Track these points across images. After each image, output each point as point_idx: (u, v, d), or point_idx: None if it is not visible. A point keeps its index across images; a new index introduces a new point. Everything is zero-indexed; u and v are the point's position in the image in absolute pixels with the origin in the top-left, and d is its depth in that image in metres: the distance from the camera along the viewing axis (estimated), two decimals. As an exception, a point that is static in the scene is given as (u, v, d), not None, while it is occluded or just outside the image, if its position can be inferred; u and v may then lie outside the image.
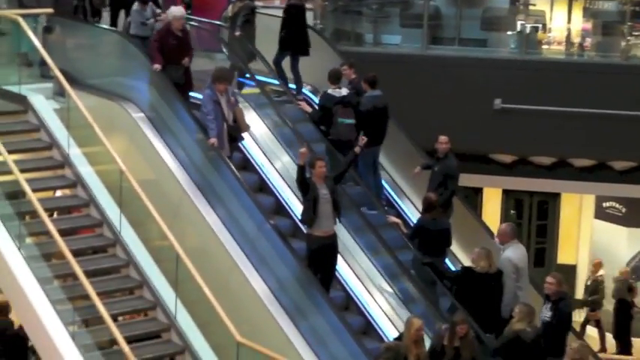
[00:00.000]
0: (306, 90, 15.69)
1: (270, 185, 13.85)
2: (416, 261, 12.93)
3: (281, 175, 13.93)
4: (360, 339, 11.87)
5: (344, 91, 14.35)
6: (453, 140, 14.88)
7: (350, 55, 15.54)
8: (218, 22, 16.34)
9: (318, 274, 12.12)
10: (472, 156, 16.92)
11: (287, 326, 11.82)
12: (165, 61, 13.50)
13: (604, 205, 19.00)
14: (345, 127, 14.07)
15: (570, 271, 18.30)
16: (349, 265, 13.25)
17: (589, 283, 17.89)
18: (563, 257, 18.69)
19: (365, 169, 14.22)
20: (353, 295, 12.95)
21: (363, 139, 12.98)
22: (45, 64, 13.79)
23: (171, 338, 12.10)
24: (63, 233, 12.17)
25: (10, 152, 12.68)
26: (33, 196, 12.27)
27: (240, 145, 13.71)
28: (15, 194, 12.54)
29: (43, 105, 13.90)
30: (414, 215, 14.38)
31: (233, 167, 12.83)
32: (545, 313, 11.91)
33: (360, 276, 13.20)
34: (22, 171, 12.60)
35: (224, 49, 15.68)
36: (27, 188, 12.33)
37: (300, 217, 12.59)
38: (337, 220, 12.29)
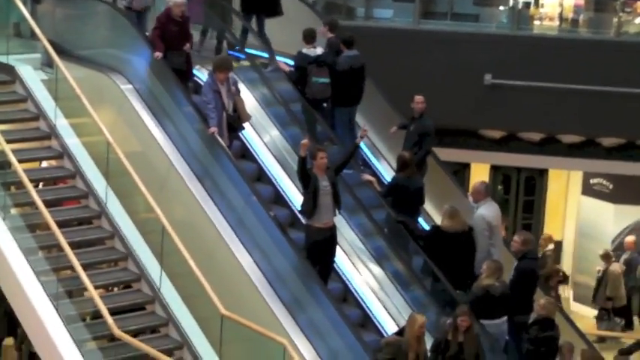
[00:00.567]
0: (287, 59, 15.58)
1: (269, 174, 13.67)
2: (390, 219, 13.02)
3: (279, 163, 13.76)
4: (358, 331, 11.78)
5: (319, 50, 14.39)
6: (443, 115, 14.96)
7: (342, 29, 15.49)
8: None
9: (316, 266, 12.01)
10: (461, 131, 16.96)
11: (284, 318, 11.74)
12: (166, 48, 13.34)
13: (591, 181, 19.02)
14: (319, 86, 14.14)
15: (557, 246, 18.34)
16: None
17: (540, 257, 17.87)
18: (550, 233, 18.74)
19: (341, 128, 14.34)
20: (351, 287, 12.84)
21: (364, 131, 12.94)
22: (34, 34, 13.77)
23: (156, 310, 12.15)
24: (48, 204, 12.20)
25: (-4, 122, 12.72)
26: (19, 167, 12.29)
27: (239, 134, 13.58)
28: (0, 165, 12.55)
29: (31, 75, 13.89)
30: (389, 175, 14.45)
31: (231, 155, 12.75)
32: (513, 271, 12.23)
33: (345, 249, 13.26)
34: (8, 141, 12.63)
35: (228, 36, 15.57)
36: (13, 159, 12.34)
37: (299, 208, 12.41)
38: (337, 211, 12.19)
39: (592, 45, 17.03)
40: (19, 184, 12.40)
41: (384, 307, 12.78)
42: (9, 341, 15.43)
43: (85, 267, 11.73)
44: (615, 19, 17.55)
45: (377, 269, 12.93)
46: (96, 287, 11.54)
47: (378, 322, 12.66)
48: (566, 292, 18.82)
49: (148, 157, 13.18)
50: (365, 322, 12.69)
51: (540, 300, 12.05)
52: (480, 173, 18.47)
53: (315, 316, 11.86)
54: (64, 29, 14.65)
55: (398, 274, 12.78)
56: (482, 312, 11.93)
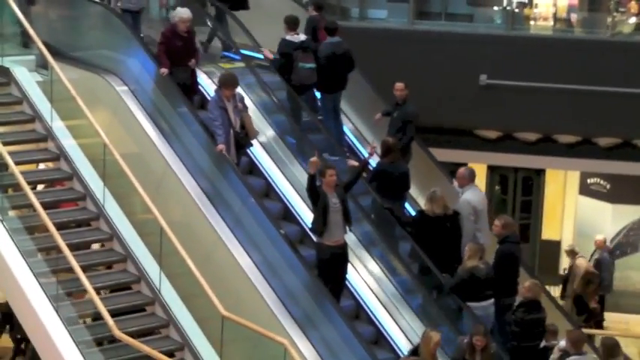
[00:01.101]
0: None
1: (277, 190, 13.55)
2: (375, 205, 13.02)
3: (287, 179, 13.65)
4: (371, 349, 11.67)
5: (302, 37, 14.43)
6: (439, 115, 14.92)
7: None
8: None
9: (328, 285, 11.88)
10: (457, 131, 16.93)
11: (296, 336, 11.63)
12: (171, 64, 13.15)
13: (589, 181, 19.03)
14: (305, 71, 14.22)
15: (554, 246, 18.34)
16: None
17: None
18: (548, 233, 18.75)
19: (326, 115, 14.45)
20: (363, 304, 12.76)
21: (373, 147, 12.91)
22: (27, 35, 13.68)
23: (156, 312, 12.06)
24: (46, 206, 12.10)
25: (-8, 125, 12.63)
26: (16, 169, 12.20)
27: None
28: (-3, 167, 12.46)
29: (26, 77, 13.81)
30: (375, 162, 14.30)
31: (239, 172, 12.65)
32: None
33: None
34: (5, 144, 12.54)
35: (208, 23, 15.57)
36: (9, 161, 12.23)
37: (310, 226, 12.29)
38: (348, 229, 12.12)
39: (587, 45, 17.01)
40: (17, 187, 12.32)
41: (395, 320, 12.73)
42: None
43: (84, 269, 11.63)
44: (609, 19, 17.52)
45: (372, 265, 12.89)
46: (95, 289, 11.44)
47: (391, 339, 12.55)
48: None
49: (144, 157, 13.10)
50: (378, 338, 12.57)
51: (526, 282, 12.21)
52: (477, 173, 18.44)
53: (328, 334, 11.76)
54: (58, 31, 14.58)
55: (384, 259, 12.78)
56: (468, 294, 12.13)
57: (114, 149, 12.33)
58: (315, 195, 11.88)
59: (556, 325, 12.21)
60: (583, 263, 16.98)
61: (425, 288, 12.52)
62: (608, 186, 18.78)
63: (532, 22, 18.31)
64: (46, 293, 11.58)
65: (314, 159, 11.89)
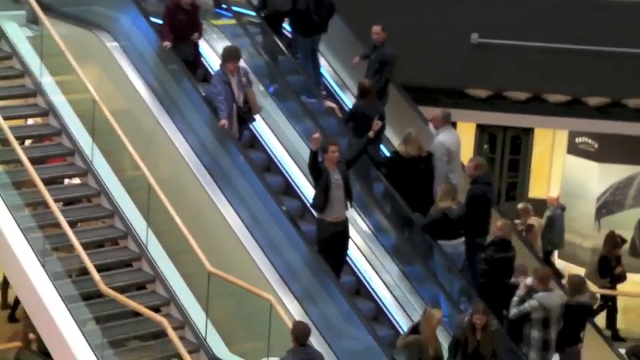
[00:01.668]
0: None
1: (279, 164, 13.58)
2: (350, 146, 13.15)
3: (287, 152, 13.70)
4: (371, 325, 11.77)
5: None
6: (430, 74, 14.93)
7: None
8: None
9: (329, 260, 11.93)
10: (447, 90, 16.95)
11: (282, 292, 11.75)
12: (174, 38, 13.08)
13: (577, 140, 19.04)
14: None
15: (542, 205, 18.41)
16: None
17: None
18: (535, 191, 18.80)
19: (304, 58, 14.59)
20: (363, 280, 12.81)
21: (377, 124, 12.87)
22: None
23: (142, 267, 12.19)
24: (34, 161, 12.18)
25: (-19, 80, 12.67)
26: (4, 124, 12.27)
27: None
28: (-15, 122, 12.51)
29: (16, 32, 13.82)
30: (351, 103, 14.54)
31: (241, 148, 12.68)
32: None
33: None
34: (-6, 99, 12.62)
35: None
36: (-2, 116, 12.31)
37: (311, 202, 12.32)
38: (349, 205, 12.18)
39: (577, 4, 16.98)
40: (5, 142, 12.37)
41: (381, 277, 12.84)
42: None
43: (72, 224, 11.75)
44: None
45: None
46: (82, 244, 11.55)
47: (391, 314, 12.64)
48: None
49: (133, 114, 13.16)
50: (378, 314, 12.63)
51: (497, 222, 12.43)
52: (466, 132, 18.50)
53: (328, 311, 11.85)
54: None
55: (359, 198, 12.84)
56: (439, 233, 12.45)
57: (103, 105, 12.39)
58: (317, 171, 11.89)
59: (526, 265, 12.38)
60: (535, 222, 17.13)
61: (397, 227, 12.71)
62: (596, 145, 18.81)
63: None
64: (33, 248, 11.69)
65: (316, 135, 11.88)
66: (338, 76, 15.37)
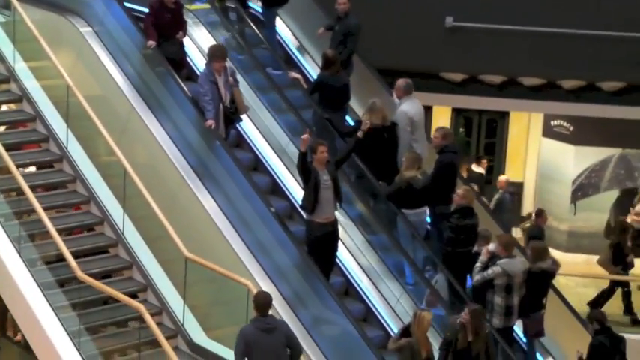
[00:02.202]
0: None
1: (266, 164, 13.47)
2: (316, 117, 13.22)
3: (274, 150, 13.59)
4: (360, 326, 11.67)
5: None
6: (404, 57, 14.87)
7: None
8: None
9: (319, 262, 11.80)
10: (422, 74, 16.92)
11: (285, 313, 11.57)
12: (159, 36, 12.91)
13: (552, 123, 19.11)
14: None
15: (517, 188, 18.51)
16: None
17: None
18: (511, 174, 18.82)
19: (270, 30, 14.68)
20: (352, 281, 12.72)
21: (366, 124, 12.78)
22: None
23: (119, 253, 12.15)
24: (8, 148, 12.09)
25: (-47, 66, 12.56)
26: (-23, 111, 12.19)
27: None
28: (-42, 109, 12.44)
29: (-12, 18, 13.73)
30: (315, 73, 14.47)
31: (229, 149, 12.50)
32: None
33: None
34: (-34, 85, 12.51)
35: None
36: (-30, 102, 12.23)
37: (300, 204, 12.17)
38: (338, 205, 12.07)
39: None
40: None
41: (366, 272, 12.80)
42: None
43: (47, 210, 11.67)
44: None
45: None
46: (58, 230, 11.49)
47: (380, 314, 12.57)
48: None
49: (108, 99, 13.08)
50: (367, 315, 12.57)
51: (459, 190, 12.51)
52: (441, 116, 18.53)
53: (318, 312, 11.79)
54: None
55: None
56: (403, 202, 12.56)
57: (77, 91, 12.31)
58: (306, 172, 11.78)
59: (489, 231, 12.43)
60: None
61: (361, 195, 12.75)
62: (571, 128, 18.89)
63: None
64: (8, 235, 11.61)
65: (305, 136, 11.76)
66: (301, 44, 15.31)
